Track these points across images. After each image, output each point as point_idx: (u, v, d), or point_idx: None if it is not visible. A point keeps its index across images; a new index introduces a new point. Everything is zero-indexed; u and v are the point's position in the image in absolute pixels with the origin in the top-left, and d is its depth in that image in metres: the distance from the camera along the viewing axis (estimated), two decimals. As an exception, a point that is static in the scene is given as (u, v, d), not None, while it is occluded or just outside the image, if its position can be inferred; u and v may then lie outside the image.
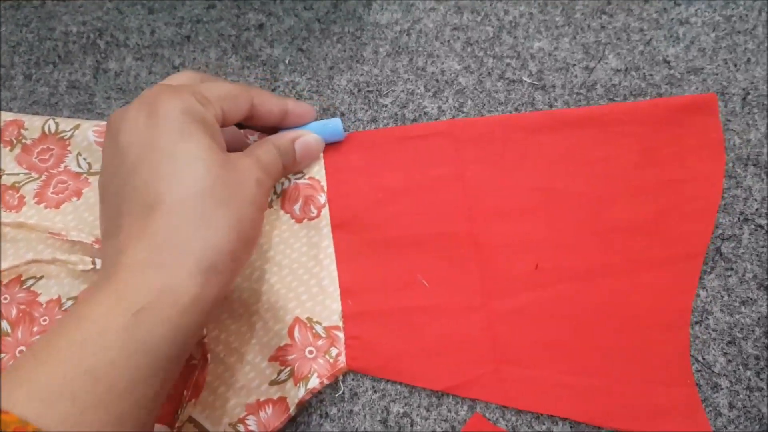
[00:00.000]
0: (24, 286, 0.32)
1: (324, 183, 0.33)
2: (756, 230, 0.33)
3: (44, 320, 0.32)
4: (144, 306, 0.21)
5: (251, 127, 0.33)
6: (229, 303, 0.32)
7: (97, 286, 0.23)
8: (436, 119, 0.35)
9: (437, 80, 0.36)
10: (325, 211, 0.33)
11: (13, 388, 0.19)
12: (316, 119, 0.33)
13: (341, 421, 0.31)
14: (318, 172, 0.34)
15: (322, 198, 0.33)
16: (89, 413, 0.19)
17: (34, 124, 0.35)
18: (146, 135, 0.24)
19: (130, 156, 0.24)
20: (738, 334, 0.31)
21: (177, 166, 0.24)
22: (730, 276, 0.32)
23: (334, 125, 0.33)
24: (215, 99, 0.27)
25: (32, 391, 0.19)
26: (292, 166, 0.32)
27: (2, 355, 0.31)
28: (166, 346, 0.22)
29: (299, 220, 0.33)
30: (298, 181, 0.33)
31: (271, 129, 0.32)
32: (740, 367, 0.31)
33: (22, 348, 0.31)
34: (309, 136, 0.32)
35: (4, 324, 0.32)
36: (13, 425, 0.18)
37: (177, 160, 0.24)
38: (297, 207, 0.33)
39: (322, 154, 0.34)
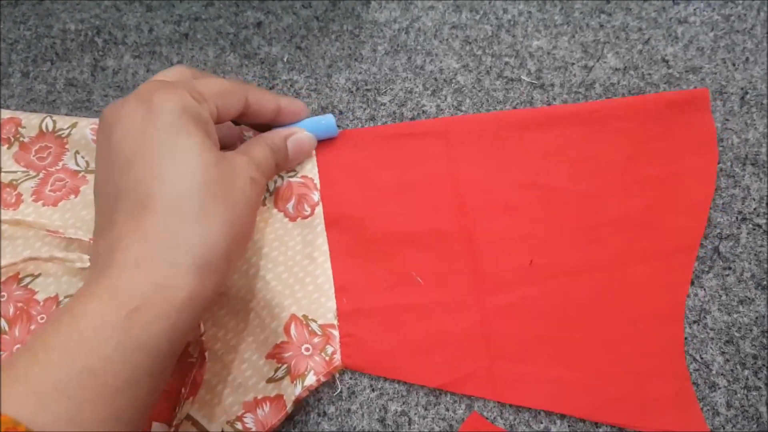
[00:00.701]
0: (21, 284, 0.32)
1: (317, 181, 0.33)
2: (754, 229, 0.33)
3: (42, 318, 0.32)
4: (139, 304, 0.21)
5: (243, 124, 0.33)
6: (226, 300, 0.32)
7: (89, 283, 0.23)
8: (434, 118, 0.35)
9: (436, 79, 0.36)
10: (319, 209, 0.33)
11: (8, 387, 0.19)
12: (310, 116, 0.33)
13: (339, 419, 0.31)
14: (311, 170, 0.33)
15: (316, 196, 0.33)
16: (85, 411, 0.19)
17: (32, 122, 0.35)
18: (141, 131, 0.24)
19: (125, 152, 0.24)
20: (736, 334, 0.31)
21: (172, 164, 0.24)
22: (728, 275, 0.32)
23: (327, 122, 0.33)
24: (210, 95, 0.27)
25: (28, 389, 0.19)
26: (284, 163, 0.31)
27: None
28: (162, 343, 0.22)
29: (293, 219, 0.33)
30: (291, 180, 0.33)
31: (262, 126, 0.32)
32: (738, 367, 0.31)
33: (20, 346, 0.31)
34: (301, 134, 0.32)
35: (2, 322, 0.32)
36: (5, 426, 0.18)
37: (172, 158, 0.24)
38: (290, 205, 0.33)
39: (314, 152, 0.34)
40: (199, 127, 0.25)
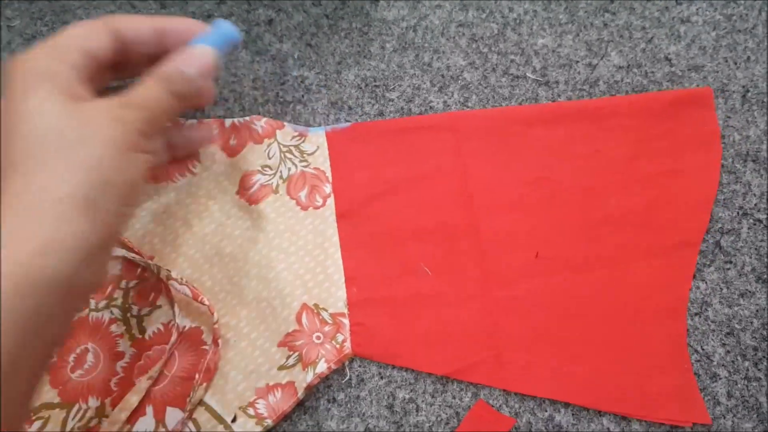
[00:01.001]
0: None
1: (329, 174, 0.34)
2: (755, 224, 0.33)
3: None
4: None
5: (141, 66, 0.28)
6: (239, 290, 0.32)
7: None
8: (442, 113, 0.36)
9: (443, 75, 0.37)
10: (331, 201, 0.34)
11: None
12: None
13: (348, 406, 0.32)
14: (323, 163, 0.34)
15: (328, 188, 0.34)
16: None
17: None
18: (5, 110, 0.25)
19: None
20: (736, 326, 0.32)
21: (18, 126, 0.24)
22: (729, 269, 0.33)
23: (221, 28, 0.28)
24: (69, 43, 0.26)
25: None
26: (189, 87, 0.27)
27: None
28: (4, 295, 0.21)
29: (305, 208, 0.34)
30: (304, 169, 0.34)
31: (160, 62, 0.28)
32: (738, 358, 0.32)
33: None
34: (191, 51, 0.27)
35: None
36: None
37: (18, 121, 0.24)
38: (303, 194, 0.34)
39: (327, 146, 0.34)
40: (45, 82, 0.25)
